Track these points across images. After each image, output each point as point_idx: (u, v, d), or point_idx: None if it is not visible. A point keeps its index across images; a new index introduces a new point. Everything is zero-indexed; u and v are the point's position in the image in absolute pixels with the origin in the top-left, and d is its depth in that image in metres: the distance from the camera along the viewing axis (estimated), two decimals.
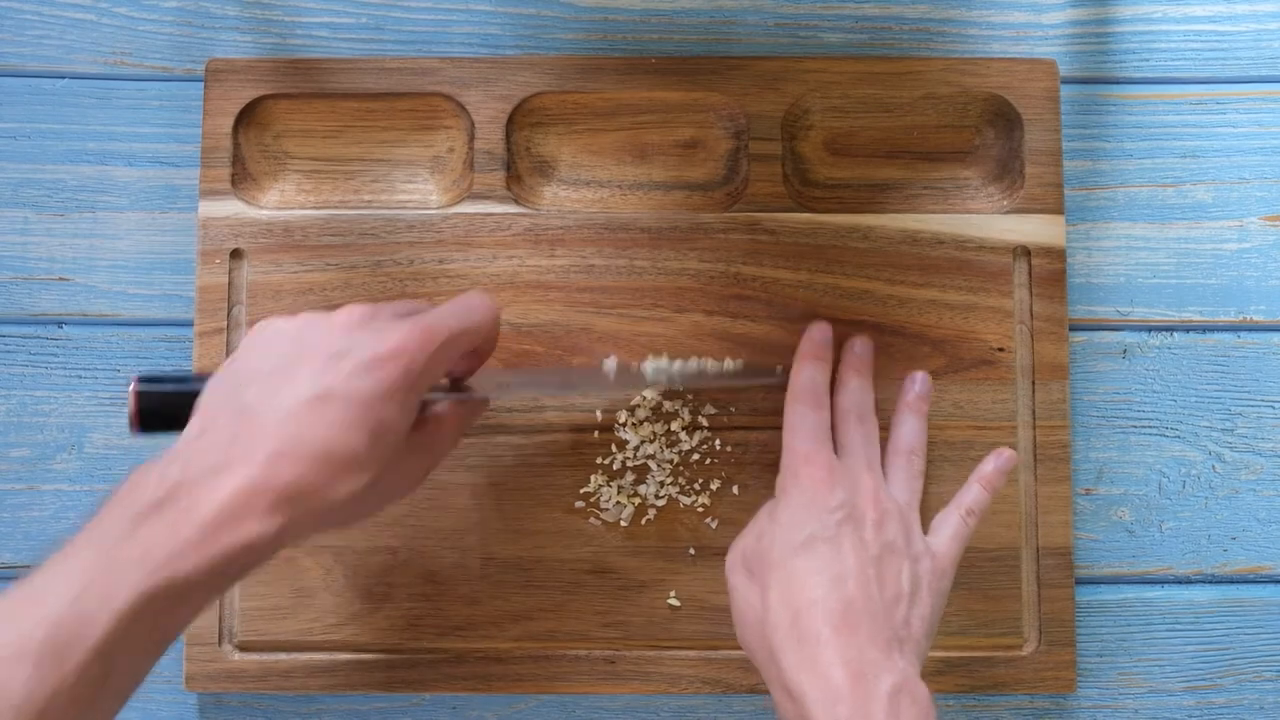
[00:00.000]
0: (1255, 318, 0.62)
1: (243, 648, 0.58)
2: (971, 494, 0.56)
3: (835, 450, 0.55)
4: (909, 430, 0.57)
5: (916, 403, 0.58)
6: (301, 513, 0.44)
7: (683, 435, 0.59)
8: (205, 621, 0.58)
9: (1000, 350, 0.60)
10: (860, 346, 0.58)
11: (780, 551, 0.50)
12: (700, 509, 0.59)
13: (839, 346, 0.59)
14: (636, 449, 0.59)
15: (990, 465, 0.57)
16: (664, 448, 0.59)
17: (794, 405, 0.55)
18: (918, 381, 0.59)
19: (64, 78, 0.63)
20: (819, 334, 0.58)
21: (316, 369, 0.46)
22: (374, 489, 0.46)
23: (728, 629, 0.59)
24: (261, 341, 0.48)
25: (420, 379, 0.47)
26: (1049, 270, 0.60)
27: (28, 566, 0.60)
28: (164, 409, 0.49)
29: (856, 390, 0.57)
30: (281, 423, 0.44)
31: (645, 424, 0.59)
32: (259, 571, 0.58)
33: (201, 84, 0.62)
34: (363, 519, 0.48)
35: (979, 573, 0.59)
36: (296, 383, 0.45)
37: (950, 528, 0.55)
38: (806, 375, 0.56)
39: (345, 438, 0.45)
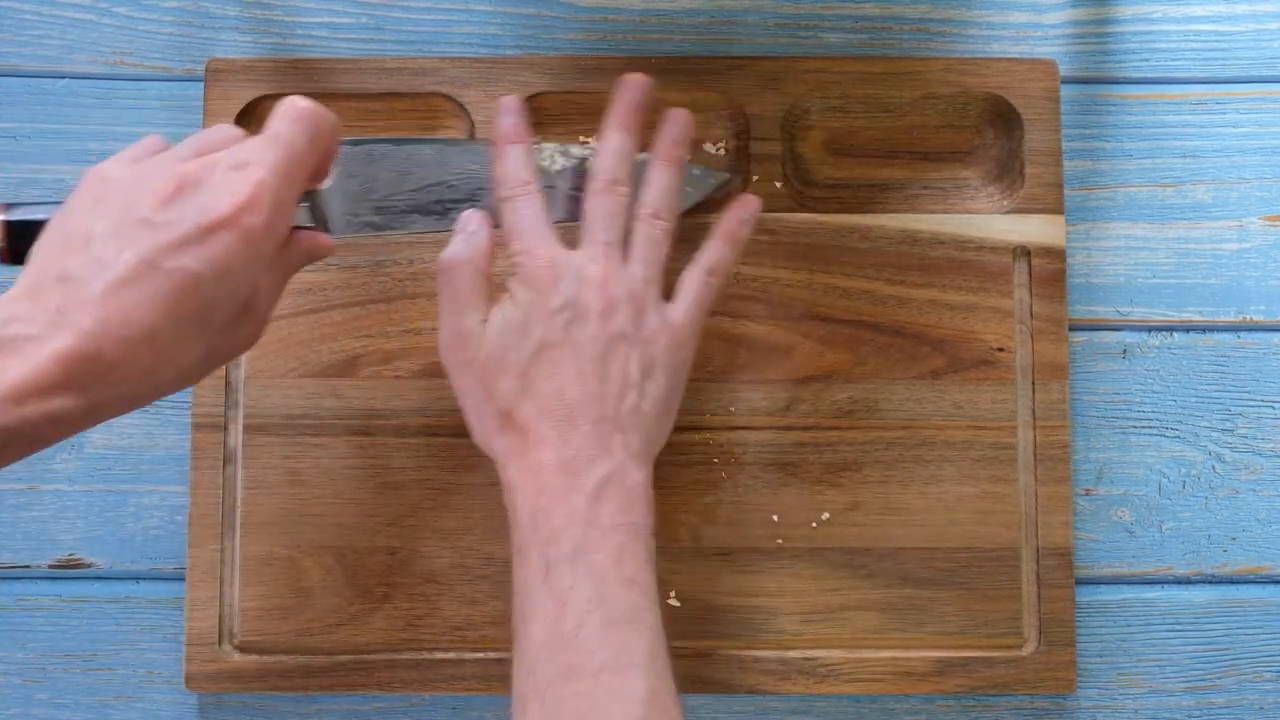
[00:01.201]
0: (1255, 318, 0.62)
1: (243, 648, 0.58)
2: (712, 251, 0.54)
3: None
4: (656, 188, 0.54)
5: (669, 149, 0.55)
6: (119, 390, 0.42)
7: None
8: (205, 622, 0.58)
9: (1000, 350, 0.60)
10: (676, 123, 0.55)
11: (513, 358, 0.50)
12: (701, 508, 0.59)
13: (836, 345, 0.58)
14: None
15: (731, 218, 0.55)
16: None
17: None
18: (676, 123, 0.55)
19: (64, 78, 0.63)
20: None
21: (143, 238, 0.43)
22: (202, 361, 0.45)
23: (728, 629, 0.59)
24: (91, 195, 0.45)
25: (261, 241, 0.44)
26: (1049, 270, 0.60)
27: (28, 566, 0.60)
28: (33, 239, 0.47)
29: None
30: (103, 297, 0.42)
31: None
32: (259, 572, 0.58)
33: (202, 84, 0.62)
34: (186, 387, 0.47)
35: (979, 573, 0.59)
36: (121, 253, 0.42)
37: (690, 293, 0.53)
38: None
39: (170, 316, 0.42)
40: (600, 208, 0.53)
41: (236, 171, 0.45)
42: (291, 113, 0.47)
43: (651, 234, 0.53)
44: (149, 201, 0.44)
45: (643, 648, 0.46)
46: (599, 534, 0.47)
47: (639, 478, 0.49)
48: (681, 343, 0.52)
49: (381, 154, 0.53)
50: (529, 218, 0.53)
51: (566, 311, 0.50)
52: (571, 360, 0.50)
